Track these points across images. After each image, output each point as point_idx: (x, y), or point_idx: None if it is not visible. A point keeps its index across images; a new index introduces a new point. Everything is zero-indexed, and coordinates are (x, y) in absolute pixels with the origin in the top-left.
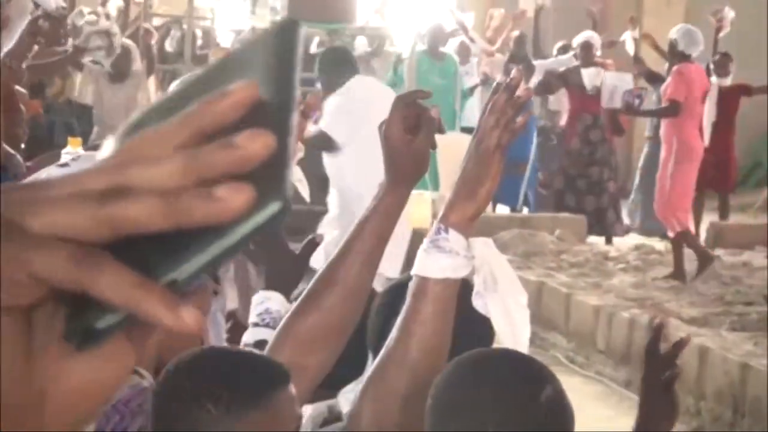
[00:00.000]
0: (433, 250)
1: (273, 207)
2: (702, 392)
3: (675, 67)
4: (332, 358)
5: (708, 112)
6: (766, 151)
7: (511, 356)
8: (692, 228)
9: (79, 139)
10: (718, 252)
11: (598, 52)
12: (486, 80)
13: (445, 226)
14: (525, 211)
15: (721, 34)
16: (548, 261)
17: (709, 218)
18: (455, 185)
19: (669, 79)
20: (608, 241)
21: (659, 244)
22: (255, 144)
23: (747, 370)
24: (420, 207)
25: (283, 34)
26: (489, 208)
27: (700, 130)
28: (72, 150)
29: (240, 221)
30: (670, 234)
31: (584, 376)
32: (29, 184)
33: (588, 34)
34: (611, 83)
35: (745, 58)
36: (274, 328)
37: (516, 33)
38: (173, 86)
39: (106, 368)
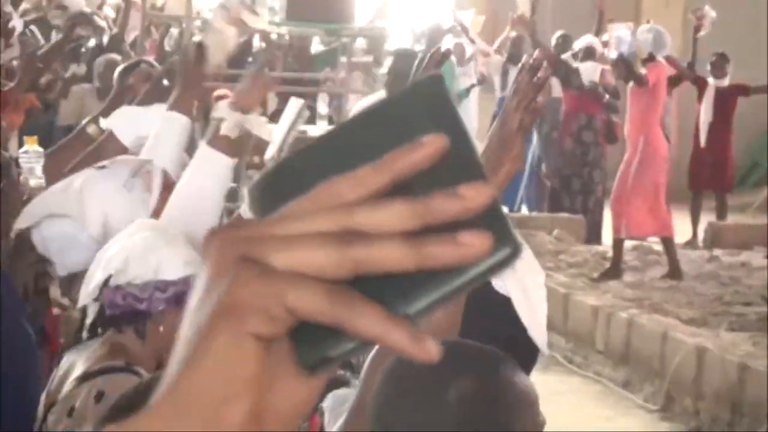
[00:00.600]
0: None
1: (505, 251)
2: (700, 392)
3: (649, 65)
4: None
5: (705, 113)
6: (764, 151)
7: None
8: (672, 231)
9: (35, 137)
10: (717, 252)
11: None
12: (482, 81)
13: None
14: (524, 210)
15: (701, 33)
16: (546, 261)
17: (707, 218)
18: None
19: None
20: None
21: (657, 245)
22: (478, 195)
23: (745, 370)
24: None
25: (432, 87)
26: None
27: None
28: (30, 148)
29: (475, 264)
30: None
31: (583, 376)
32: (253, 222)
33: (589, 39)
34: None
35: (744, 59)
36: None
37: (514, 34)
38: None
39: (316, 389)
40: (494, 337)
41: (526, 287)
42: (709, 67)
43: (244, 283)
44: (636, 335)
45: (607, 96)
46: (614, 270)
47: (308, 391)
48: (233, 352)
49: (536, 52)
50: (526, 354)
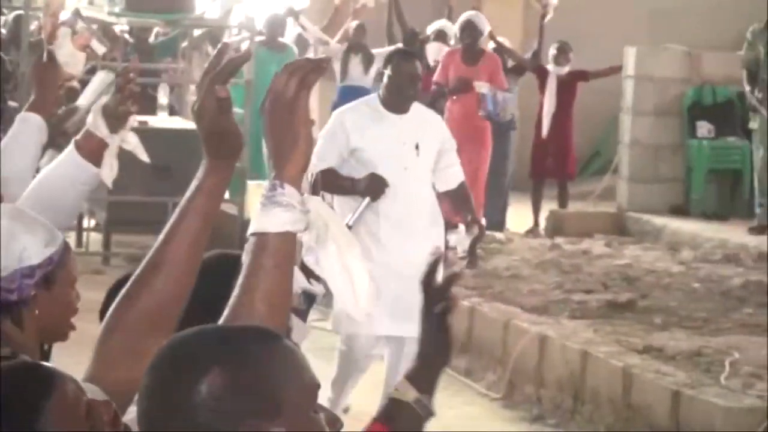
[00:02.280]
0: (271, 206)
1: None
2: (542, 380)
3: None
4: (168, 338)
5: (548, 103)
6: (605, 140)
7: (171, 343)
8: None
9: None
10: (558, 240)
11: (452, 41)
12: None
13: (281, 182)
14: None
15: (546, 20)
16: None
17: (548, 207)
18: (276, 144)
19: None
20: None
21: (500, 234)
22: None
23: (586, 357)
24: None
25: None
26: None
27: None
28: None
29: None
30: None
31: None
32: None
33: (443, 23)
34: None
35: (582, 48)
36: None
37: (355, 23)
38: None
39: None
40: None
41: (347, 263)
42: (552, 54)
43: None
44: (478, 323)
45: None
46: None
47: None
48: None
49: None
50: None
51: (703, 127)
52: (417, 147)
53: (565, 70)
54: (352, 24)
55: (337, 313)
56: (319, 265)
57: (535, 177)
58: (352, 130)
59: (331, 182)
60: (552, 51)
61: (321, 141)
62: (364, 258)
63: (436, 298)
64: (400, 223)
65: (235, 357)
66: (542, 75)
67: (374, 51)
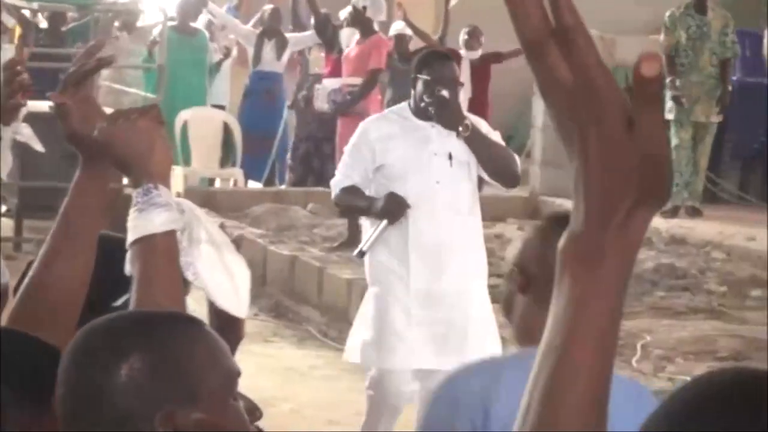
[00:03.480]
0: (150, 208)
1: None
2: None
3: (375, 39)
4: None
5: (464, 89)
6: (519, 123)
7: (89, 328)
8: None
9: None
10: None
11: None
12: (228, 54)
13: (154, 184)
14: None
15: (452, 4)
16: (301, 235)
17: None
18: (132, 152)
19: (365, 47)
20: None
21: None
22: None
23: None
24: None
25: None
26: (241, 182)
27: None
28: None
29: None
30: None
31: (337, 349)
32: None
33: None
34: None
35: (495, 32)
36: None
37: (270, 7)
38: None
39: None
40: None
41: (226, 261)
42: (464, 39)
43: None
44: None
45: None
46: (351, 239)
47: None
48: None
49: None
50: None
51: None
52: (450, 157)
53: (478, 54)
54: (267, 8)
55: (364, 346)
56: (194, 265)
57: None
58: (377, 142)
59: (350, 202)
60: (463, 36)
61: (345, 155)
62: (393, 294)
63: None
64: (434, 245)
65: (154, 342)
66: (455, 60)
67: (288, 36)
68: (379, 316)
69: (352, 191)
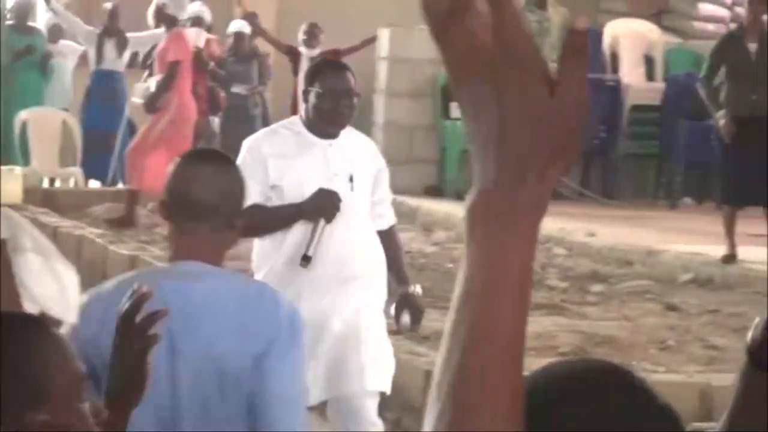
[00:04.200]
0: None
1: None
2: None
3: (174, 30)
4: None
5: (301, 84)
6: (359, 122)
7: None
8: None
9: None
10: None
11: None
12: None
13: None
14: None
15: None
16: (141, 234)
17: None
18: None
19: (165, 43)
20: None
21: None
22: None
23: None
24: (11, 183)
25: None
26: (81, 182)
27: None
28: None
29: None
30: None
31: None
32: None
33: (197, 8)
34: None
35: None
36: None
37: (109, 5)
38: None
39: None
40: None
41: (57, 271)
42: (303, 37)
43: None
44: None
45: (212, 64)
46: (128, 218)
47: None
48: None
49: None
50: None
51: (457, 108)
52: (351, 179)
53: (317, 51)
54: (107, 6)
55: None
56: (21, 273)
57: None
58: (270, 158)
59: (266, 218)
60: (301, 35)
61: None
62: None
63: (136, 335)
64: (333, 270)
65: None
66: (295, 57)
67: (129, 35)
68: None
69: (259, 208)
